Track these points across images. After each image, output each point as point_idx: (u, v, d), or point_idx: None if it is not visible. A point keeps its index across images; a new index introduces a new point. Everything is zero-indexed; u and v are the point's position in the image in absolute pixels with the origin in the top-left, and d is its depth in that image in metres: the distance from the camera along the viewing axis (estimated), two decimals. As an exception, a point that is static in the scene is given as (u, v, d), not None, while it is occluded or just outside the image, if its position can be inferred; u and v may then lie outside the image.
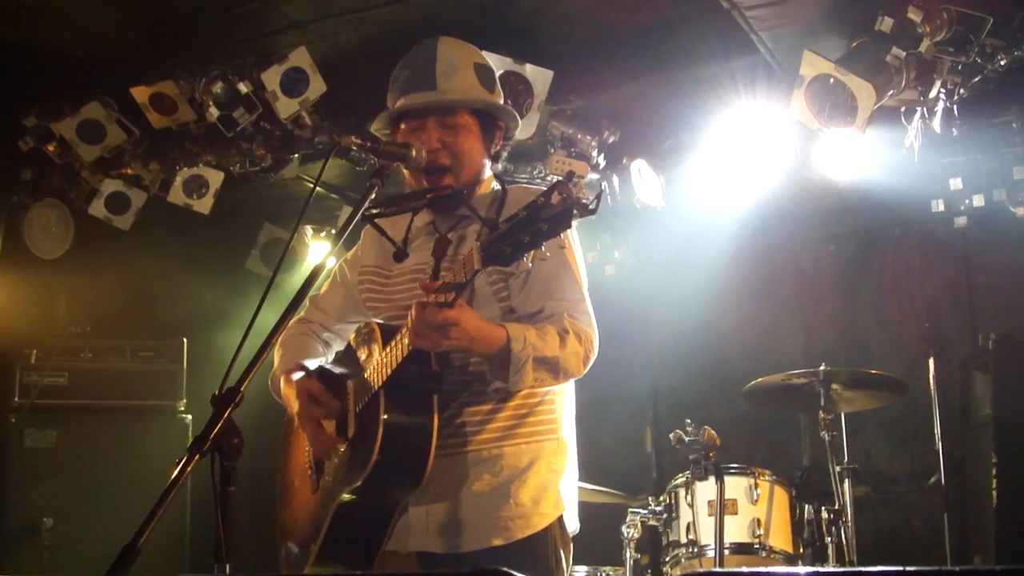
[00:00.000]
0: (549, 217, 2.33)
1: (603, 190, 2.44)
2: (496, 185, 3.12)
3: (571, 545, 3.04)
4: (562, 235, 2.37)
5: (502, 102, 3.12)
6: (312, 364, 3.25)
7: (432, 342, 2.64)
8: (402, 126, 3.04)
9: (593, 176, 6.02)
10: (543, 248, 2.36)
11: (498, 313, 2.94)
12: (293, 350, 3.28)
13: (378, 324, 2.97)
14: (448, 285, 2.57)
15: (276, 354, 3.28)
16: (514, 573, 1.46)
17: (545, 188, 2.40)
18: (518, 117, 3.16)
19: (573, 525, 3.07)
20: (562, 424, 3.05)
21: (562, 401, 3.06)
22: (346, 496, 2.86)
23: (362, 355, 3.01)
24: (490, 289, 2.93)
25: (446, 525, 2.91)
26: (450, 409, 2.93)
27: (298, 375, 3.13)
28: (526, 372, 2.75)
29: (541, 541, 2.93)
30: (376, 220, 2.92)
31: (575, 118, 5.68)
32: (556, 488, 2.99)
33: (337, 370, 3.18)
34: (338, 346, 3.33)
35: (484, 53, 3.19)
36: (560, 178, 2.35)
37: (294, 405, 3.05)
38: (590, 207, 2.33)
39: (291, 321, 3.31)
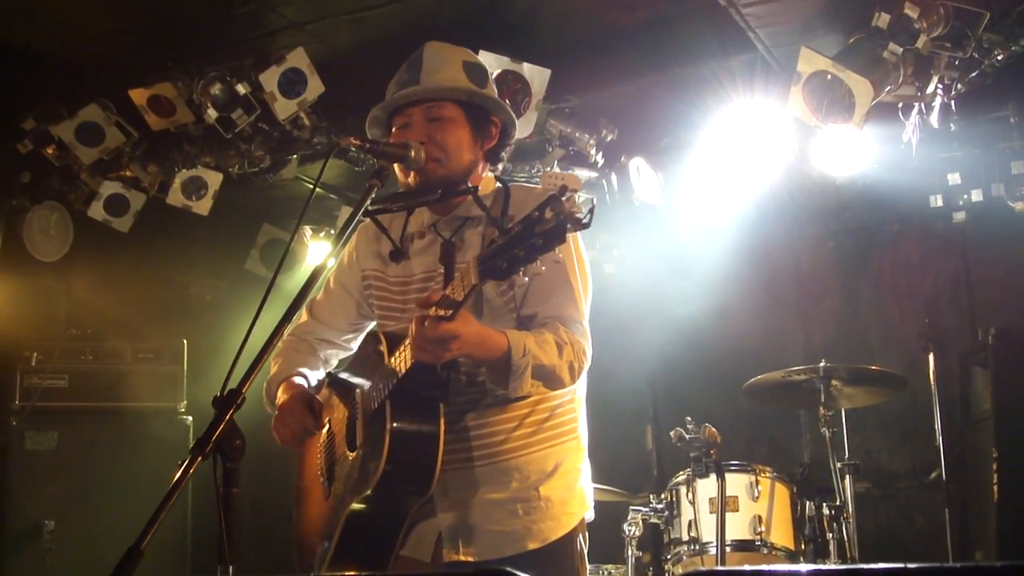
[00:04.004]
0: (544, 232, 2.31)
1: (594, 204, 2.39)
2: (497, 185, 3.09)
3: (587, 534, 3.09)
4: (565, 245, 2.36)
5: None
6: (314, 375, 3.26)
7: (434, 355, 2.64)
8: (393, 129, 3.05)
9: (591, 174, 6.03)
10: (538, 262, 2.35)
11: (513, 325, 2.93)
12: (290, 362, 3.26)
13: (384, 333, 2.98)
14: (447, 300, 2.56)
15: (272, 365, 3.26)
16: (518, 574, 1.46)
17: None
18: (510, 111, 3.12)
19: (590, 515, 3.11)
20: (580, 424, 3.09)
21: (579, 403, 3.10)
22: (357, 504, 2.87)
23: (370, 363, 3.01)
24: (501, 300, 2.93)
25: (478, 534, 2.91)
26: (470, 421, 2.93)
27: (299, 382, 3.15)
28: (524, 380, 2.76)
29: (570, 540, 2.98)
30: (377, 216, 2.93)
31: (573, 116, 5.68)
32: (580, 487, 3.04)
33: (346, 378, 3.18)
34: (339, 359, 3.33)
35: (481, 52, 3.18)
36: (553, 192, 2.32)
37: (292, 418, 3.04)
38: (584, 221, 2.32)
39: (285, 332, 3.32)
